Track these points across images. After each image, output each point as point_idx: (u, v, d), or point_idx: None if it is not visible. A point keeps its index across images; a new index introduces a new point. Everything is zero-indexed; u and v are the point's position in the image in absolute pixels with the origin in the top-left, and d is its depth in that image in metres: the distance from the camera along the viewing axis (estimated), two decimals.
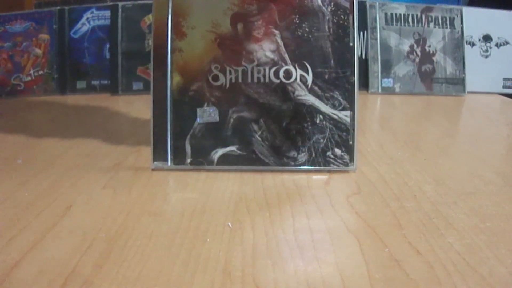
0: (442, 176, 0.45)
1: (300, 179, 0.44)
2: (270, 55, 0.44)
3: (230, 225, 0.35)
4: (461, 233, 0.34)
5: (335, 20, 0.44)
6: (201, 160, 0.46)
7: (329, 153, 0.45)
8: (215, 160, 0.45)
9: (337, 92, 0.44)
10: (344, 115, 0.45)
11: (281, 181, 0.43)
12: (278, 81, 0.45)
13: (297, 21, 0.44)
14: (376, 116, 0.76)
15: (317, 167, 0.45)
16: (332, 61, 0.44)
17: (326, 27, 0.44)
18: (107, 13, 0.90)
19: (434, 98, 0.87)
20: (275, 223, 0.35)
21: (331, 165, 0.45)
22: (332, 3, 0.44)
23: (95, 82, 0.90)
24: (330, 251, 0.31)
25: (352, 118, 0.45)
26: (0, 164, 0.49)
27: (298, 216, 0.37)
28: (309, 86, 0.45)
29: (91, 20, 0.90)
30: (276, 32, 0.44)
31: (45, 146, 0.56)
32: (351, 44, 0.44)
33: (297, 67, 0.44)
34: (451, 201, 0.39)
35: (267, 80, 0.45)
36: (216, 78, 0.45)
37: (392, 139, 0.59)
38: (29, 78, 0.89)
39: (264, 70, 0.44)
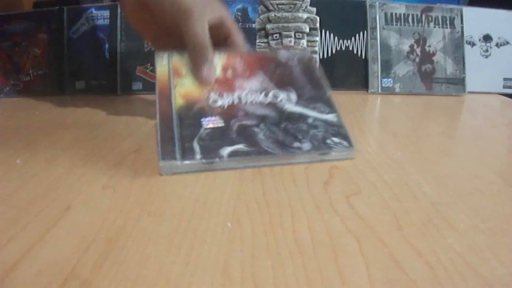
0: (442, 176, 0.45)
1: (299, 179, 0.44)
2: (258, 84, 0.54)
3: (230, 225, 0.35)
4: (461, 234, 0.34)
5: (302, 65, 0.57)
6: (211, 155, 0.46)
7: (328, 140, 0.49)
8: (225, 156, 0.46)
9: (319, 103, 0.53)
10: (331, 117, 0.52)
11: (280, 181, 0.43)
12: (269, 100, 0.53)
13: (273, 67, 0.56)
14: (376, 116, 0.76)
15: (322, 151, 0.49)
16: (309, 86, 0.55)
17: (297, 69, 0.57)
18: (106, 13, 0.90)
19: (434, 98, 0.87)
20: (275, 223, 0.35)
21: (334, 149, 0.49)
22: (296, 58, 0.58)
23: (94, 82, 0.90)
24: (330, 251, 0.31)
25: (340, 117, 0.52)
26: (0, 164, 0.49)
27: (297, 216, 0.37)
28: (295, 102, 0.53)
29: (90, 20, 0.90)
30: (260, 72, 0.55)
31: (44, 146, 0.56)
32: (320, 75, 0.57)
33: (282, 90, 0.54)
34: (451, 201, 0.39)
35: (259, 101, 0.52)
36: (215, 101, 0.51)
37: (392, 139, 0.59)
38: (28, 78, 0.89)
39: (256, 93, 0.53)
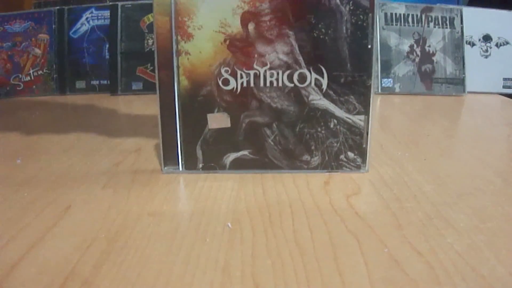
0: (442, 176, 0.45)
1: (299, 179, 0.44)
2: (284, 57, 0.42)
3: (230, 225, 0.35)
4: (461, 233, 0.34)
5: (353, 21, 0.41)
6: (213, 164, 0.45)
7: (342, 156, 0.45)
8: (227, 165, 0.45)
9: (352, 96, 0.43)
10: (358, 119, 0.44)
11: (280, 181, 0.43)
12: (292, 85, 0.43)
13: (313, 21, 0.42)
14: (376, 116, 0.76)
15: (330, 170, 0.45)
16: (348, 65, 0.42)
17: (344, 28, 0.42)
18: (107, 13, 0.90)
19: (434, 98, 0.87)
20: (275, 223, 0.35)
21: (344, 168, 0.45)
22: (351, 2, 0.41)
23: (94, 82, 0.90)
24: (330, 251, 0.31)
25: (367, 122, 0.44)
26: (0, 164, 0.49)
27: (298, 216, 0.37)
28: (323, 90, 0.43)
29: (90, 20, 0.90)
30: (290, 33, 0.42)
31: (44, 146, 0.56)
32: (369, 46, 0.42)
33: (311, 71, 0.42)
34: (451, 201, 0.39)
35: (280, 84, 0.43)
36: (226, 82, 0.43)
37: (392, 139, 0.59)
38: (28, 78, 0.89)
39: (277, 73, 0.42)
